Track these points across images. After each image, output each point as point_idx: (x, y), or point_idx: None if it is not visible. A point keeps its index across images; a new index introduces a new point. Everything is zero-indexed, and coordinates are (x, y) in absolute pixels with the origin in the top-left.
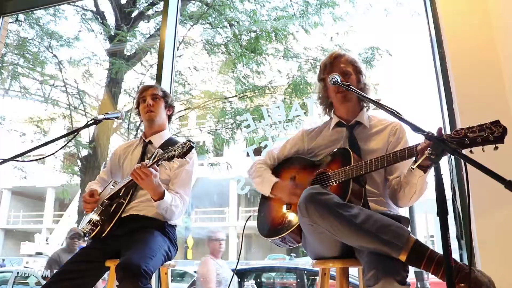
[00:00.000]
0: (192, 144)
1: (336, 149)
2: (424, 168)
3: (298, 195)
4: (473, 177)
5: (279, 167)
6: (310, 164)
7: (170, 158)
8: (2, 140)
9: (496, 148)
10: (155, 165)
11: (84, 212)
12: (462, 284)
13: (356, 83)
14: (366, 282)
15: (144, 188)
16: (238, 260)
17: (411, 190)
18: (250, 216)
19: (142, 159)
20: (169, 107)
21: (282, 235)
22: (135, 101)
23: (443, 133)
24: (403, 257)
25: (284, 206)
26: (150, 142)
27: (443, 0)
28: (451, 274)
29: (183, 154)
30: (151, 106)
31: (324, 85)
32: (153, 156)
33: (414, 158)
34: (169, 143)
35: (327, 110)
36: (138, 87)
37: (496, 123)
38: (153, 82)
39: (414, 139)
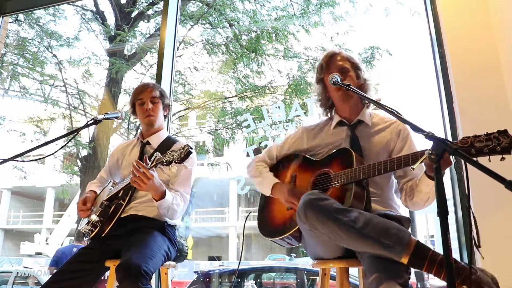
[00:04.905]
0: (190, 149)
1: (337, 149)
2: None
3: (295, 199)
4: (473, 177)
5: (279, 164)
6: (311, 163)
7: (168, 163)
8: (2, 140)
9: (502, 158)
10: (153, 168)
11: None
12: (464, 286)
13: (356, 79)
14: (367, 285)
15: (146, 191)
16: (240, 260)
17: (423, 198)
18: (250, 213)
19: (140, 160)
20: (166, 107)
21: (283, 236)
22: (130, 100)
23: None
24: (405, 260)
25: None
26: (148, 143)
27: None
28: (451, 274)
29: (181, 160)
30: (151, 111)
31: (323, 85)
32: (151, 160)
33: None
34: (167, 143)
35: (327, 111)
36: None
37: (504, 132)
38: (148, 80)
39: (418, 137)
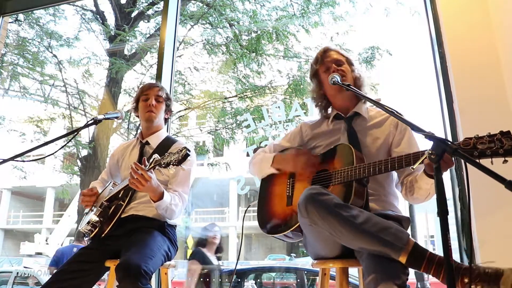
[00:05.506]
0: (188, 152)
1: (337, 145)
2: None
3: (300, 161)
4: (473, 177)
5: None
6: None
7: (166, 165)
8: (2, 140)
9: (505, 161)
10: (151, 169)
11: (84, 208)
12: (466, 280)
13: (351, 72)
14: (365, 286)
15: (145, 192)
16: (238, 260)
17: (424, 194)
18: (249, 206)
19: (140, 160)
20: (169, 111)
21: (285, 233)
22: (135, 96)
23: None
24: (403, 259)
25: (287, 184)
26: (147, 143)
27: None
28: (451, 274)
29: (179, 162)
30: (153, 107)
31: (318, 81)
32: (149, 162)
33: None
34: (166, 143)
35: (323, 111)
36: (138, 87)
37: (507, 134)
38: (149, 80)
39: (418, 137)
